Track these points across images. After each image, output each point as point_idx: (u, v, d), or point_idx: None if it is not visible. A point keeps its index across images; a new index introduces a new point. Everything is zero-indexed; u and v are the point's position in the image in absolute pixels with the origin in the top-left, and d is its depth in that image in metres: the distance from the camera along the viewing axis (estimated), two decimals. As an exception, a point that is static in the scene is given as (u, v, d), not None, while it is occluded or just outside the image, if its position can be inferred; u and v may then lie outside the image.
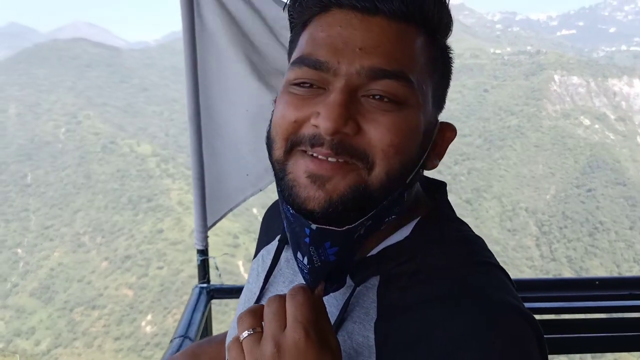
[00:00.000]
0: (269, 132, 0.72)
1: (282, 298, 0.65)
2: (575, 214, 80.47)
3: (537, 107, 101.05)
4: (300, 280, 0.72)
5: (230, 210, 2.23)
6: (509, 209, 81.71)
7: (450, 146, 0.73)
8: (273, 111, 0.72)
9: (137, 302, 68.70)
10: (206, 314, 2.08)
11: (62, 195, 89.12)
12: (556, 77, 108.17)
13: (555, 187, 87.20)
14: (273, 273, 0.84)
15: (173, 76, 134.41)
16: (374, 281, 0.71)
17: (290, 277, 0.82)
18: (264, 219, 1.02)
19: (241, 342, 0.64)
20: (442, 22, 0.73)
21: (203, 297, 2.15)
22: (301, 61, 0.68)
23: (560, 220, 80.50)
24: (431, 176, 0.80)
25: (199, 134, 2.13)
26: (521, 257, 74.70)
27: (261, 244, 0.96)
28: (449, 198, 0.77)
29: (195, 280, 2.30)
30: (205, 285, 2.23)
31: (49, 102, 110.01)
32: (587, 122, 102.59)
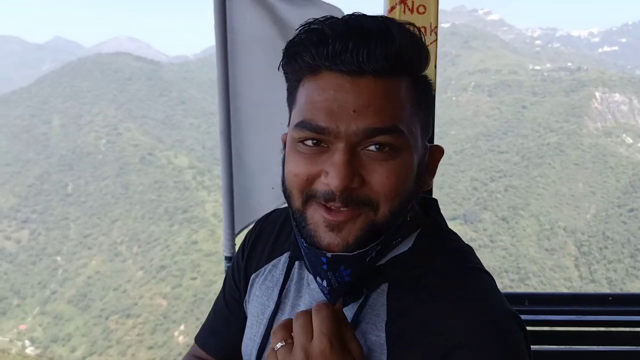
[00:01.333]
0: (284, 184, 0.81)
1: (307, 313, 0.76)
2: (616, 235, 78.12)
3: (578, 125, 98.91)
4: (311, 291, 0.89)
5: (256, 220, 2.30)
6: (547, 228, 79.90)
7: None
8: (283, 160, 0.82)
9: (171, 312, 69.41)
10: None
11: (101, 205, 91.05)
12: (597, 94, 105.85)
13: (596, 206, 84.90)
14: (286, 285, 0.94)
15: (211, 90, 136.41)
16: (384, 287, 0.82)
17: (305, 289, 0.92)
18: (261, 227, 1.10)
19: (276, 353, 0.76)
20: (421, 62, 0.80)
21: None
22: (304, 126, 0.76)
23: (601, 240, 78.24)
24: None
25: (229, 146, 2.27)
26: (559, 278, 72.82)
27: (260, 257, 1.04)
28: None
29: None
30: None
31: (91, 114, 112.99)
32: (629, 140, 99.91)
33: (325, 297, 0.80)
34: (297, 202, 0.78)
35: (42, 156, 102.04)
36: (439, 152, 0.87)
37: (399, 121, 0.75)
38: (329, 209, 0.75)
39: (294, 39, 0.78)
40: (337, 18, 0.76)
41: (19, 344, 68.65)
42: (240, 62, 2.15)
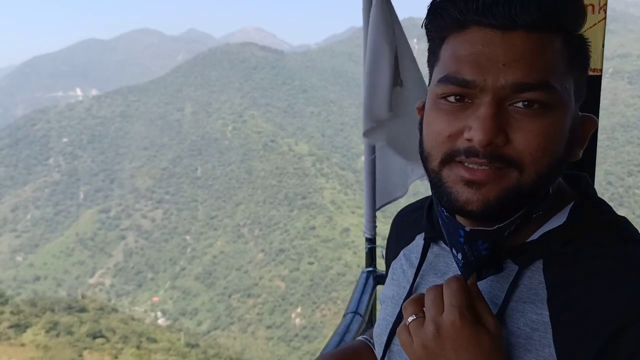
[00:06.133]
0: (422, 145, 0.78)
1: (439, 287, 0.74)
2: None
3: None
4: (450, 271, 0.84)
5: (394, 200, 2.45)
6: (693, 229, 72.32)
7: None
8: (421, 122, 0.80)
9: (289, 294, 71.57)
10: (373, 296, 2.23)
11: (227, 189, 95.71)
12: None
13: None
14: (422, 267, 0.91)
15: (332, 78, 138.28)
16: (538, 264, 0.76)
17: (443, 269, 0.88)
18: (394, 224, 1.10)
19: (408, 327, 0.75)
20: (577, 19, 0.75)
21: (370, 281, 2.32)
22: (448, 80, 0.72)
23: None
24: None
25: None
26: None
27: (397, 246, 1.03)
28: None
29: (356, 272, 2.61)
30: (371, 269, 2.41)
31: (219, 102, 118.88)
32: None
33: (459, 269, 0.77)
34: (434, 162, 0.75)
35: (175, 141, 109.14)
36: (591, 122, 0.81)
37: (551, 77, 0.70)
38: (468, 168, 0.72)
39: None
40: None
41: (152, 314, 74.28)
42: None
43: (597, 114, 1.65)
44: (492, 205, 0.71)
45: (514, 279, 0.77)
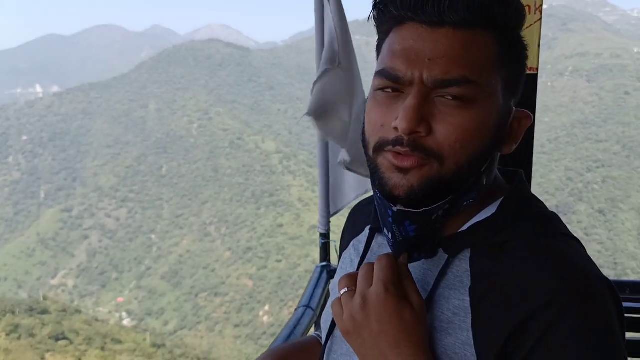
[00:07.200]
0: (363, 133, 0.83)
1: (371, 264, 0.80)
2: None
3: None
4: None
5: (350, 202, 2.43)
6: (650, 223, 74.86)
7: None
8: (365, 112, 0.84)
9: (256, 292, 71.38)
10: (326, 290, 2.23)
11: (193, 187, 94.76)
12: None
13: None
14: (367, 256, 0.95)
15: (298, 75, 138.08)
16: (466, 253, 0.81)
17: None
18: (350, 215, 1.15)
19: (340, 299, 0.80)
20: (510, 17, 0.77)
21: (324, 276, 2.34)
22: (383, 73, 0.77)
23: None
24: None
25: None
26: (661, 276, 68.21)
27: (349, 236, 1.08)
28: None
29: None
30: (325, 264, 2.44)
31: (185, 99, 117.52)
32: None
33: (390, 248, 0.82)
34: (370, 149, 0.80)
35: (139, 139, 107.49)
36: (525, 117, 0.83)
37: (474, 73, 0.73)
38: (396, 155, 0.76)
39: None
40: None
41: (117, 315, 73.12)
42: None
43: (533, 110, 1.71)
44: (416, 191, 0.75)
45: (443, 267, 0.81)
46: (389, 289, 0.75)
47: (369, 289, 0.76)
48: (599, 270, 0.76)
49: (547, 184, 79.84)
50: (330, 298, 1.05)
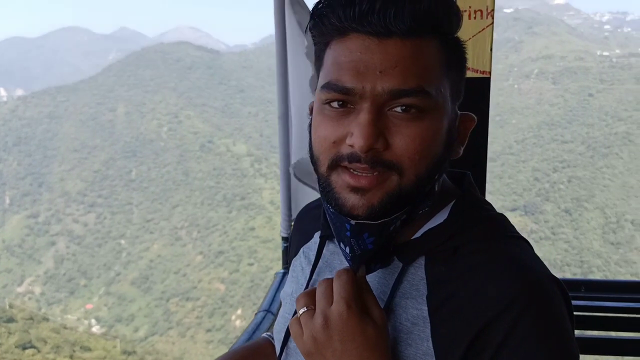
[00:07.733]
0: (311, 150, 0.80)
1: (330, 280, 0.77)
2: (688, 229, 74.25)
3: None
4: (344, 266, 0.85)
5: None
6: (613, 221, 76.60)
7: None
8: (310, 125, 0.81)
9: (228, 296, 70.91)
10: None
11: (163, 191, 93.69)
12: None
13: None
14: (318, 265, 0.93)
15: (269, 78, 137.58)
16: (421, 261, 0.80)
17: (338, 266, 0.90)
18: (297, 220, 1.14)
19: (299, 318, 0.77)
20: (452, 22, 0.77)
21: (285, 280, 2.23)
22: (329, 87, 0.74)
23: (672, 235, 74.55)
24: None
25: (287, 132, 2.34)
26: (625, 273, 69.80)
27: (299, 243, 1.06)
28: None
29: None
30: (287, 269, 2.31)
31: (154, 102, 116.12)
32: None
33: (348, 263, 0.80)
34: (322, 167, 0.77)
35: (107, 143, 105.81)
36: (469, 120, 0.84)
37: (426, 83, 0.73)
38: (352, 174, 0.74)
39: (320, 0, 0.77)
40: None
41: (86, 322, 71.83)
42: (298, 49, 2.22)
43: (487, 113, 1.72)
44: (377, 209, 0.74)
45: (398, 276, 0.80)
46: (351, 306, 0.73)
47: (329, 308, 0.74)
48: (549, 270, 0.77)
49: (514, 184, 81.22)
50: (282, 307, 1.02)
